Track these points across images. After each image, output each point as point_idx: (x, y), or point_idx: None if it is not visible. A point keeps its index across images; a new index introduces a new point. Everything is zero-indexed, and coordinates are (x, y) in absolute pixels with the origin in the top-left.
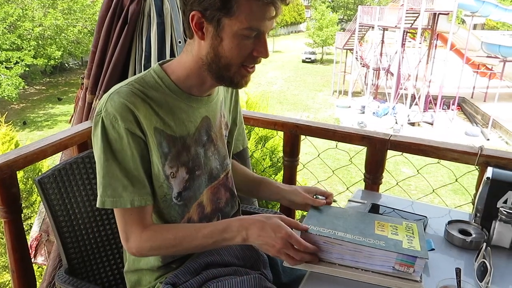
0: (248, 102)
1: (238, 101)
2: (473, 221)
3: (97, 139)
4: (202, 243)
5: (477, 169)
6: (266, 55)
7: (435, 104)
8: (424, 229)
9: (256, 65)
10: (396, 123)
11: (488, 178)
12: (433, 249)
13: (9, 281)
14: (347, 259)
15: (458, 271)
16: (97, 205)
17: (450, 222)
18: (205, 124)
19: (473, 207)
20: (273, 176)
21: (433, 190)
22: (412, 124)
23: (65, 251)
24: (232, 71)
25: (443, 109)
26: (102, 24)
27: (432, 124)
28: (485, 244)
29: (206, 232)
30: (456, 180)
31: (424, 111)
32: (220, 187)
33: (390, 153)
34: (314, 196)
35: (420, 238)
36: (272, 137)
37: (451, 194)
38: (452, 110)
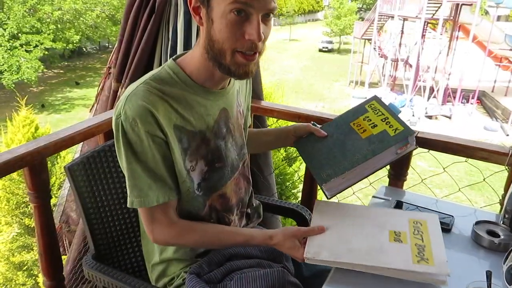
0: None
1: (251, 88)
2: (502, 222)
3: (119, 143)
4: (225, 247)
5: (506, 169)
6: (257, 37)
7: (454, 97)
8: (451, 229)
9: (259, 54)
10: (413, 115)
11: None
12: (400, 111)
13: (28, 260)
14: (366, 173)
15: (489, 274)
16: (128, 205)
17: (477, 223)
18: (224, 116)
19: (501, 208)
20: (287, 168)
21: (459, 189)
22: (430, 117)
23: (92, 237)
24: (228, 59)
25: (462, 102)
26: (129, 13)
27: (450, 117)
28: None
29: (231, 237)
30: (484, 180)
31: (442, 104)
32: (240, 176)
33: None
34: (312, 123)
35: (392, 114)
36: None
37: (468, 190)
38: (472, 104)
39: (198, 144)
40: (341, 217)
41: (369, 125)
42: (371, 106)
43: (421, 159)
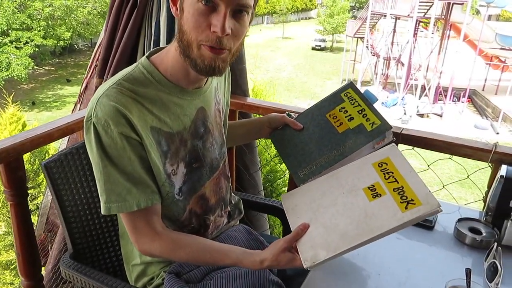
0: (254, 90)
1: (230, 83)
2: (484, 219)
3: (91, 146)
4: (213, 264)
5: (490, 166)
6: (220, 30)
7: (445, 96)
8: (433, 226)
9: (230, 51)
10: (405, 114)
11: (502, 176)
12: (377, 99)
13: (15, 259)
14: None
15: (468, 272)
16: (102, 212)
17: (460, 220)
18: (201, 115)
19: (484, 205)
20: (278, 164)
21: (443, 186)
22: (421, 115)
23: (70, 236)
24: (194, 52)
25: (453, 101)
26: (112, 8)
27: (441, 116)
28: (496, 243)
29: (218, 259)
30: (468, 177)
31: (434, 103)
32: (221, 176)
33: (402, 147)
34: (288, 114)
35: (368, 105)
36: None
37: (458, 187)
38: (462, 102)
39: (177, 147)
40: (313, 201)
41: (345, 117)
42: (347, 95)
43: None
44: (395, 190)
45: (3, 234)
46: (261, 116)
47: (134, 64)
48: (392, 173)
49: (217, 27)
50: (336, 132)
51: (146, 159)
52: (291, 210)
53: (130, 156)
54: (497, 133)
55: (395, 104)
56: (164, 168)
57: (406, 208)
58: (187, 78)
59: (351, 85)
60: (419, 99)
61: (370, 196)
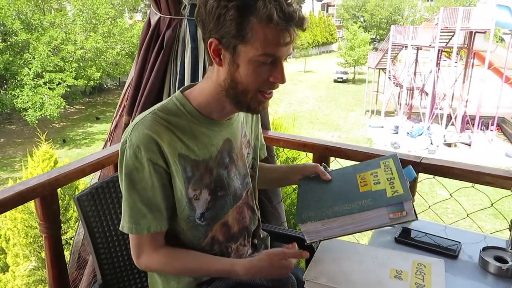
0: (273, 123)
1: (259, 118)
2: (510, 248)
3: (121, 168)
4: (208, 275)
5: None
6: (282, 80)
7: (473, 125)
8: (457, 256)
9: (279, 88)
10: (432, 143)
11: None
12: (415, 178)
13: None
14: (349, 228)
15: None
16: (119, 228)
17: (485, 249)
18: (227, 146)
19: (510, 234)
20: None
21: (468, 215)
22: (449, 145)
23: (99, 267)
24: (249, 97)
25: (481, 129)
26: (140, 49)
27: (469, 145)
28: None
29: (212, 270)
30: (492, 205)
31: (461, 132)
32: (244, 205)
33: (422, 176)
34: (323, 166)
35: (400, 177)
36: (299, 158)
37: (492, 219)
38: (491, 130)
39: (202, 173)
40: (345, 253)
41: (372, 180)
42: (385, 163)
43: (441, 187)
44: (416, 284)
45: (33, 269)
46: (294, 164)
47: (169, 97)
48: (425, 274)
49: (279, 79)
50: (357, 190)
51: (167, 187)
52: (322, 248)
53: (154, 182)
54: None
55: (421, 134)
56: (186, 192)
57: None
58: (221, 112)
59: (394, 156)
60: (446, 128)
61: (392, 275)
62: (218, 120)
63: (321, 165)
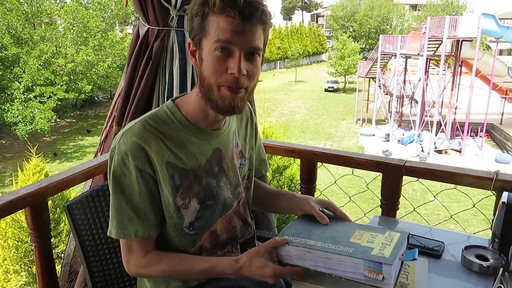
0: (264, 132)
1: (256, 130)
2: (491, 246)
3: (109, 173)
4: (195, 278)
5: (494, 194)
6: (238, 72)
7: (462, 131)
8: (441, 255)
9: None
10: (422, 151)
11: (503, 203)
12: (415, 259)
13: None
14: (320, 266)
15: None
16: (107, 233)
17: (467, 248)
18: (217, 155)
19: (492, 232)
20: None
21: (451, 216)
22: (439, 151)
23: (90, 275)
24: (215, 94)
25: (471, 136)
26: (129, 60)
27: (460, 151)
28: (502, 269)
29: (199, 271)
30: (474, 206)
31: (451, 138)
32: (234, 215)
33: (406, 178)
34: (321, 209)
35: (396, 247)
36: (289, 166)
37: (479, 220)
38: (481, 137)
39: (191, 182)
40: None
41: (367, 239)
42: (391, 234)
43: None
44: (400, 282)
45: (24, 284)
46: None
47: (160, 106)
48: (408, 273)
49: (234, 69)
50: (347, 239)
51: (155, 193)
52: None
53: (141, 188)
54: None
55: (412, 141)
56: (174, 200)
57: None
58: (205, 120)
59: (405, 233)
60: (436, 135)
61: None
62: (206, 129)
63: (322, 206)
